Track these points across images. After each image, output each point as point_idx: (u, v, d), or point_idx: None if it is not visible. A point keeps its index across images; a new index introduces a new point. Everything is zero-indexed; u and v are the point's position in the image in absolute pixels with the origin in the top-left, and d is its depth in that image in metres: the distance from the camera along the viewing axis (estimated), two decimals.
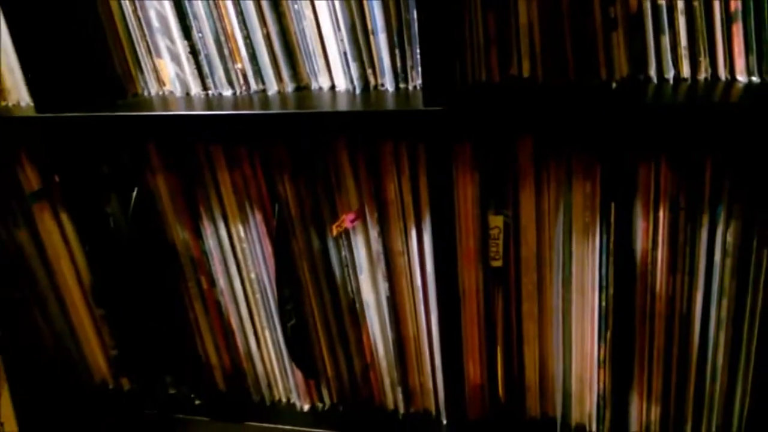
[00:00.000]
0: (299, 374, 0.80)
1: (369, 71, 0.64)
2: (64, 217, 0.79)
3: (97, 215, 0.77)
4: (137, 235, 0.76)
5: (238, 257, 0.76)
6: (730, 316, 0.62)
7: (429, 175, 0.63)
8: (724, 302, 0.62)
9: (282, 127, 0.62)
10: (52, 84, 0.69)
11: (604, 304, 0.65)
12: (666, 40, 0.55)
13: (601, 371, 0.67)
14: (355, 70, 0.64)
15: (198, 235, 0.76)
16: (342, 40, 0.62)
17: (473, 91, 0.60)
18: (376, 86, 0.64)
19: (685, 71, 0.56)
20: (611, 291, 0.64)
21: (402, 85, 0.64)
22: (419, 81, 0.62)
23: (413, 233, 0.69)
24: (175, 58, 0.68)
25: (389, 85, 0.63)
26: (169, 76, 0.69)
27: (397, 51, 0.62)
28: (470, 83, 0.61)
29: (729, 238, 0.60)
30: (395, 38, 0.61)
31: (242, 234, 0.74)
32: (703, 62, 0.55)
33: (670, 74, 0.56)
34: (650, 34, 0.55)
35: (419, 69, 0.60)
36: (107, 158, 0.75)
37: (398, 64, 0.62)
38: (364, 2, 0.60)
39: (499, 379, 0.72)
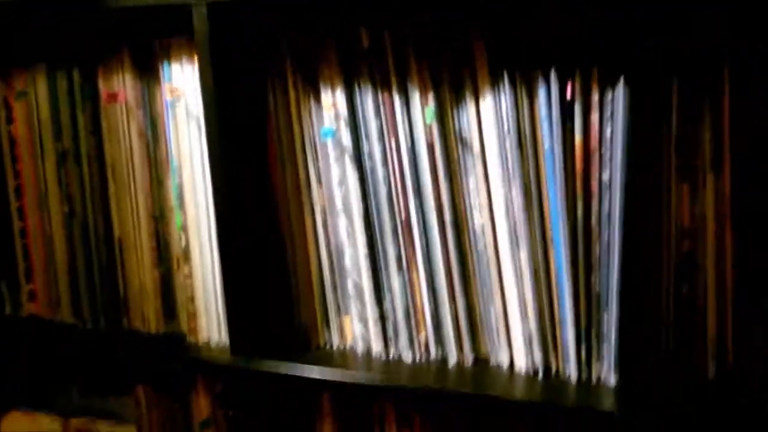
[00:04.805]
0: None
1: (551, 356, 0.68)
2: None
3: None
4: None
5: None
6: None
7: None
8: None
9: (455, 404, 0.66)
10: (246, 329, 0.76)
11: None
12: None
13: None
14: (538, 354, 0.68)
15: None
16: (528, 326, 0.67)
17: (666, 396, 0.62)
18: (557, 372, 0.68)
19: None
20: None
21: (584, 375, 0.67)
22: (603, 373, 0.65)
23: None
24: (363, 320, 0.74)
25: (572, 373, 0.67)
26: (354, 334, 0.76)
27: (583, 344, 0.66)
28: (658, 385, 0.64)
29: None
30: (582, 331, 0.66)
31: None
32: None
33: None
34: None
35: (605, 363, 0.64)
36: (281, 399, 0.80)
37: (583, 355, 0.66)
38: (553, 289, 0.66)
39: None
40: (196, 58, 0.68)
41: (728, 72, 0.55)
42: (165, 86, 0.72)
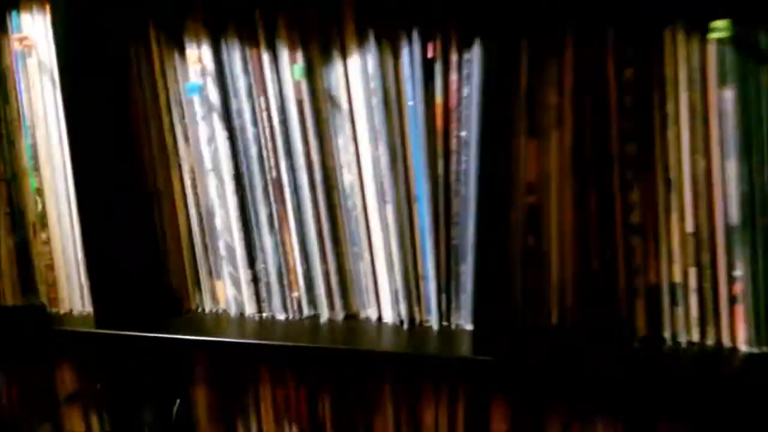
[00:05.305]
0: None
1: (416, 309, 0.71)
2: (94, 420, 0.80)
3: (133, 421, 0.78)
4: None
5: None
6: None
7: (467, 415, 0.69)
8: None
9: (328, 360, 0.68)
10: (112, 297, 0.73)
11: None
12: (680, 310, 0.65)
13: None
14: (403, 307, 0.71)
15: None
16: (394, 281, 0.70)
17: (516, 340, 0.68)
18: (421, 323, 0.71)
19: (695, 337, 0.65)
20: None
21: (445, 323, 0.71)
22: (461, 321, 0.70)
23: None
24: (236, 284, 0.74)
25: (434, 323, 0.71)
26: (227, 297, 0.75)
27: (443, 295, 0.70)
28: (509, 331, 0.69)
29: None
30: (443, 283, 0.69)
31: None
32: (711, 331, 0.65)
33: (683, 338, 0.66)
34: (666, 304, 0.65)
35: (463, 313, 0.69)
36: (151, 368, 0.78)
37: (443, 306, 0.70)
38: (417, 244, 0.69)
39: None
40: (48, 5, 0.64)
41: (571, 34, 0.60)
42: (13, 37, 0.67)
